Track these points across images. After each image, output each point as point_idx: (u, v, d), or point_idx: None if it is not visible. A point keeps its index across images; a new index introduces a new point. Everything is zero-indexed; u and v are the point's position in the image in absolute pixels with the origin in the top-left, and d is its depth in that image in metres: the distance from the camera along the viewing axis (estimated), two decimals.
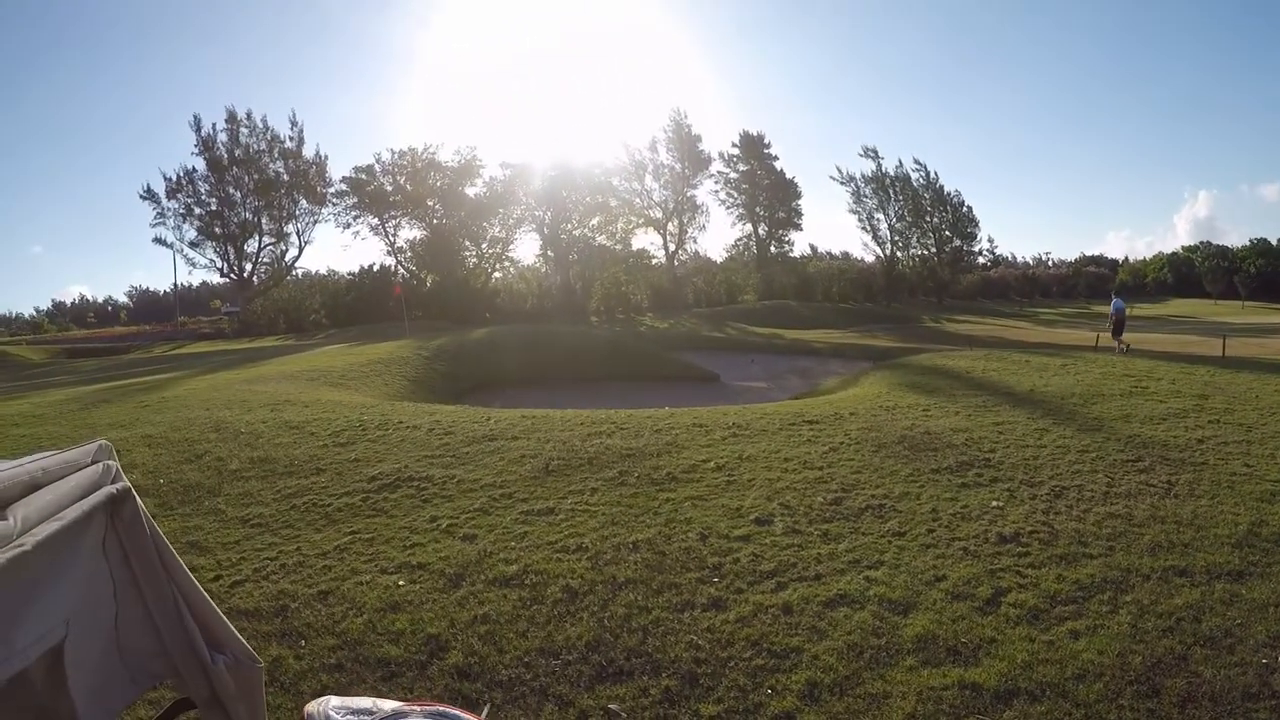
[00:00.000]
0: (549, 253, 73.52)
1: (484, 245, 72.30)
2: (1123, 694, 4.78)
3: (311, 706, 1.51)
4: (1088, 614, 5.83)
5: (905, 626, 5.70)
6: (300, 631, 5.90)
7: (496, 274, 74.60)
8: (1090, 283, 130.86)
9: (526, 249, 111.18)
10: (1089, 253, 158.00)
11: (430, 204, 69.98)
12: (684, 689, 5.02)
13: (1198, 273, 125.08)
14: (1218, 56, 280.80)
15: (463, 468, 10.55)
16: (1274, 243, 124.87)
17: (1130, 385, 16.16)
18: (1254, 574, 6.49)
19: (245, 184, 69.59)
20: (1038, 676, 4.98)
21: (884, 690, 4.92)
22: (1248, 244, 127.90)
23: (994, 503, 8.56)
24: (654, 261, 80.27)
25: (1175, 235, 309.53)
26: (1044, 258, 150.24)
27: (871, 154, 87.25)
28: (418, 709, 1.10)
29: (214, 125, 68.34)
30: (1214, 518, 7.89)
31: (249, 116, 69.62)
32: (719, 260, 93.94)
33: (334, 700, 1.57)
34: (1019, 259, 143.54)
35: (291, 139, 70.98)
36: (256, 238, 72.14)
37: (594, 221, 74.15)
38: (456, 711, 1.11)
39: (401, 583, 6.76)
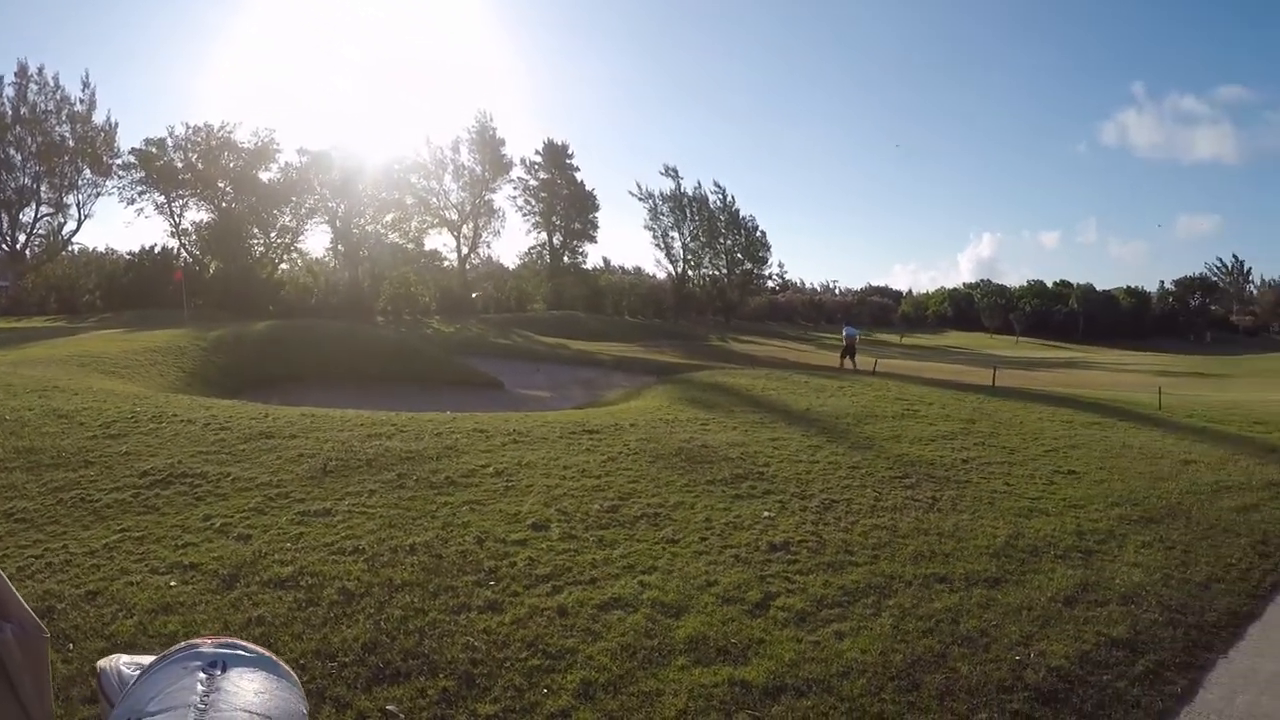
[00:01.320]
0: (339, 247, 71.05)
1: (273, 234, 69.01)
2: (884, 689, 5.48)
3: (103, 662, 1.64)
4: (852, 616, 6.59)
5: (677, 628, 6.22)
6: (68, 634, 5.72)
7: (284, 265, 71.51)
8: (874, 311, 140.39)
9: (316, 241, 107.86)
10: (875, 283, 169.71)
11: (221, 185, 66.01)
12: (461, 689, 5.27)
13: (977, 308, 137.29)
14: (1009, 117, 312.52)
15: (238, 465, 10.43)
16: (1049, 285, 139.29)
17: (903, 408, 17.87)
18: (1009, 581, 7.59)
19: (27, 146, 63.11)
20: (804, 674, 5.60)
21: (656, 688, 5.38)
22: (1025, 284, 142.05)
23: (765, 513, 9.40)
24: (445, 264, 79.67)
25: (959, 272, 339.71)
26: (831, 285, 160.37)
27: (672, 173, 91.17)
28: (209, 641, 1.25)
29: (0, 78, 61.83)
30: (974, 530, 9.08)
31: (40, 72, 63.03)
32: (511, 267, 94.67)
33: (124, 657, 1.71)
34: (807, 285, 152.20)
35: (82, 102, 64.91)
36: (34, 206, 65.62)
37: (388, 218, 72.31)
38: (246, 643, 1.27)
39: (173, 583, 6.66)
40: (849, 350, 35.91)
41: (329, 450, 11.30)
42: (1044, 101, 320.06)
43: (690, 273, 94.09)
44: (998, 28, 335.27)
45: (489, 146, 79.88)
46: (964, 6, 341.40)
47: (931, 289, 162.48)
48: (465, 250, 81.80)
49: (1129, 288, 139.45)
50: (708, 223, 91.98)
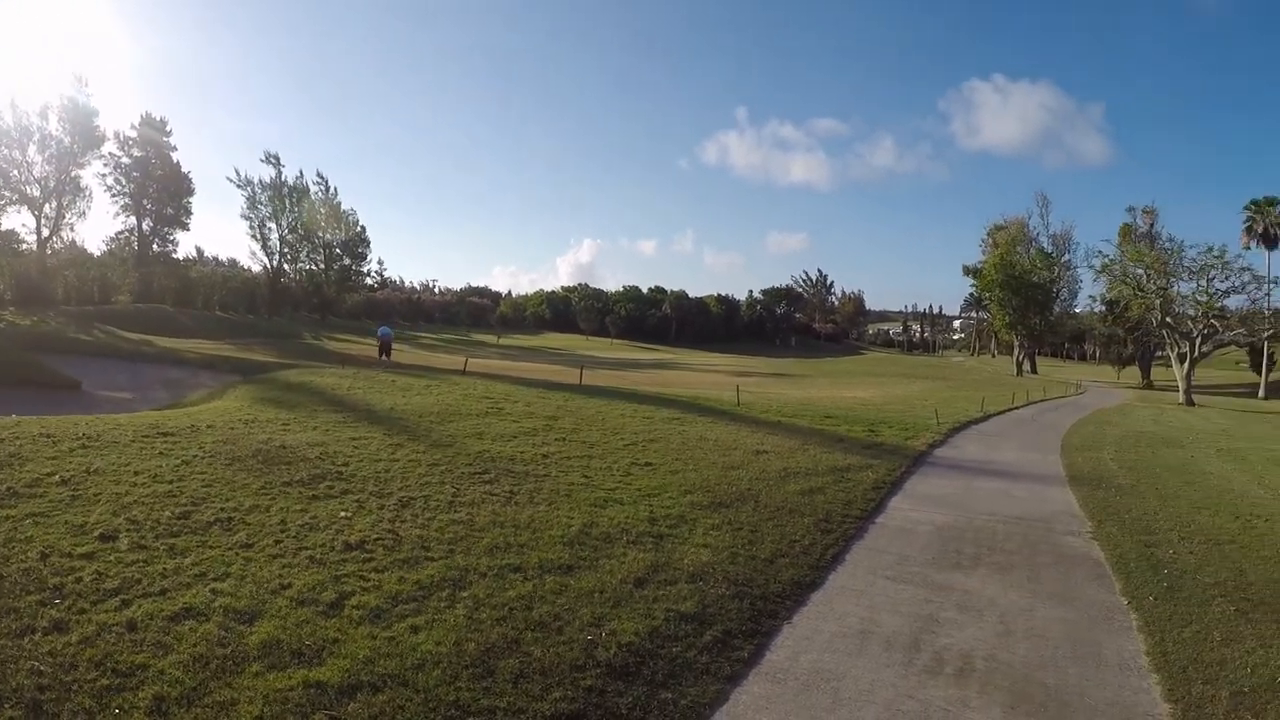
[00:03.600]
0: None
1: None
2: (459, 677, 5.58)
3: None
4: (427, 610, 6.67)
5: (251, 634, 5.99)
6: None
7: None
8: (473, 312, 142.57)
9: None
10: (475, 284, 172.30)
11: None
12: (28, 718, 4.81)
13: (574, 311, 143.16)
14: (617, 128, 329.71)
15: None
16: (644, 290, 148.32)
17: (488, 406, 18.29)
18: (582, 567, 8.00)
19: None
20: (380, 669, 5.58)
21: (231, 697, 5.14)
22: (621, 289, 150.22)
23: (343, 513, 9.29)
24: (23, 246, 69.60)
25: (558, 275, 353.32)
26: (431, 284, 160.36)
27: (273, 160, 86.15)
28: None
29: None
30: (550, 521, 9.51)
31: None
32: (97, 254, 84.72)
33: None
34: (407, 283, 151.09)
35: None
36: None
37: None
38: None
39: None
40: (384, 349, 40.88)
41: None
42: (652, 117, 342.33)
43: (287, 267, 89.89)
44: (612, 39, 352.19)
45: (80, 116, 71.30)
46: (581, 10, 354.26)
47: (531, 291, 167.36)
48: (47, 232, 72.50)
49: (720, 295, 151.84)
50: (307, 215, 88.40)
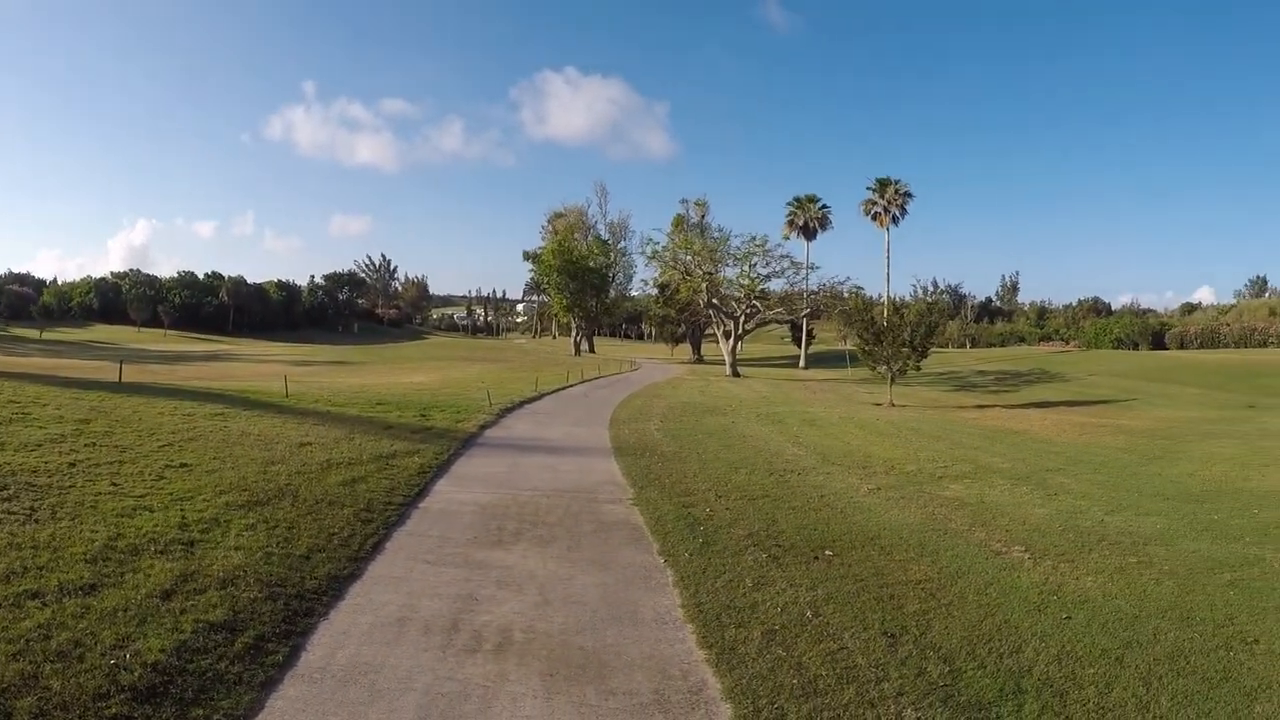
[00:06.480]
0: None
1: None
2: None
3: None
4: None
5: None
6: None
7: None
8: (12, 303, 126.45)
9: None
10: (17, 270, 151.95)
11: None
12: None
13: (125, 299, 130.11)
14: (174, 93, 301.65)
15: None
16: (200, 276, 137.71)
17: (14, 412, 16.14)
18: (107, 585, 7.34)
19: None
20: None
21: None
22: (176, 275, 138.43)
23: None
24: None
25: (109, 259, 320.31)
26: None
27: None
28: None
29: None
30: (72, 538, 8.59)
31: None
32: None
33: None
34: None
35: None
36: None
37: None
38: None
39: None
40: None
41: None
42: (214, 84, 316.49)
43: None
44: None
45: None
46: None
47: (79, 277, 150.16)
48: None
49: (280, 281, 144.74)
50: None
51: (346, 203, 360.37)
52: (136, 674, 5.71)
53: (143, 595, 7.14)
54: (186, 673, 5.83)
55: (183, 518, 9.70)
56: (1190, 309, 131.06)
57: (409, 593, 8.09)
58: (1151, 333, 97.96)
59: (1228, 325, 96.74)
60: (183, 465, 12.66)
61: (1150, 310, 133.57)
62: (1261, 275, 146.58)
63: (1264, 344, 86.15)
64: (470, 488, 13.34)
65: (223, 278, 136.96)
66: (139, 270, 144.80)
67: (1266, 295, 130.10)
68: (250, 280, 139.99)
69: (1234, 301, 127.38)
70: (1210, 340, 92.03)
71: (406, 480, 13.16)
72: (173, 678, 5.74)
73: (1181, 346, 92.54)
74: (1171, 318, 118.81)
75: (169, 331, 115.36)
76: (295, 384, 29.01)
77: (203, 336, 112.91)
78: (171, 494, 10.85)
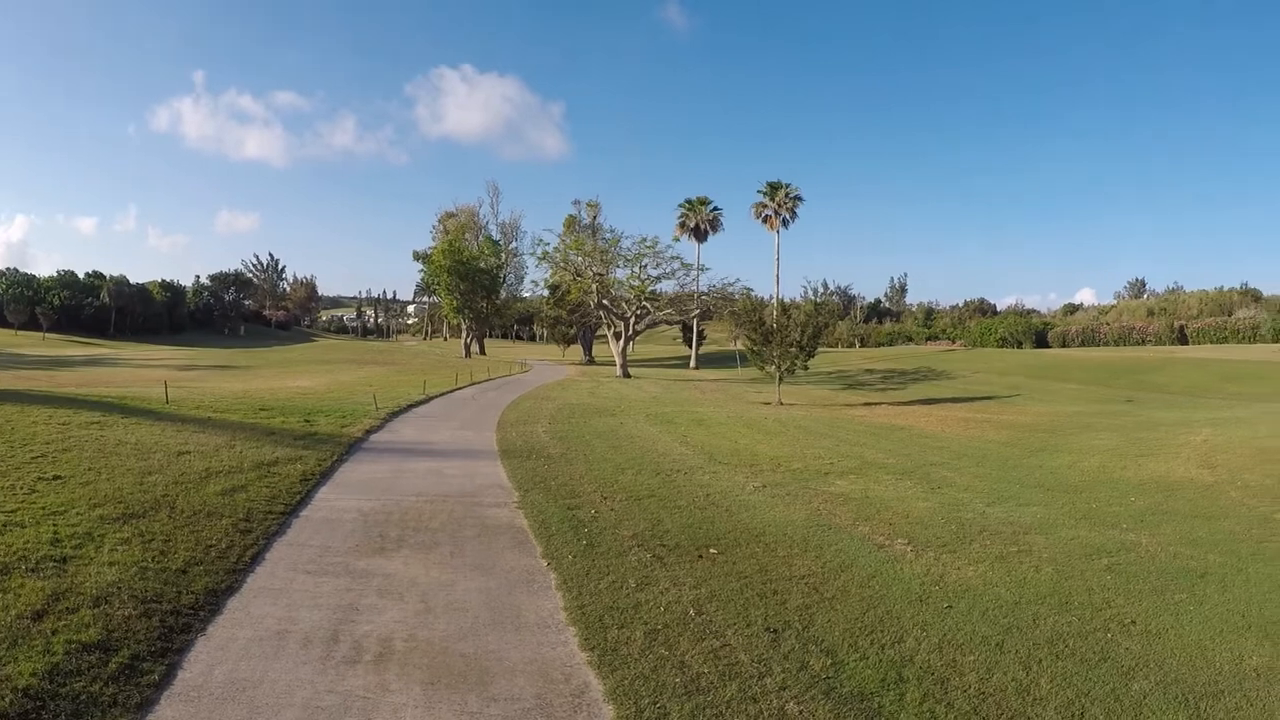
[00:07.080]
0: None
1: None
2: None
3: None
4: None
5: None
6: None
7: None
8: None
9: None
10: None
11: None
12: None
13: (1, 301, 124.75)
14: (55, 81, 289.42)
15: None
16: (81, 276, 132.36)
17: None
18: None
19: None
20: None
21: None
22: (55, 274, 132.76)
23: None
24: None
25: None
26: None
27: None
28: None
29: None
30: None
31: None
32: None
33: None
34: None
35: None
36: None
37: None
38: None
39: None
40: None
41: None
42: (98, 73, 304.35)
43: None
44: None
45: None
46: None
47: None
48: None
49: (164, 281, 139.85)
50: None
51: (234, 199, 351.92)
52: (7, 700, 5.60)
53: (13, 616, 6.96)
54: (59, 697, 5.73)
55: (55, 533, 9.44)
56: (1072, 309, 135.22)
57: (289, 604, 8.05)
58: (1035, 332, 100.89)
59: (1108, 325, 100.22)
60: (56, 477, 12.31)
61: (1034, 311, 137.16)
62: (1140, 278, 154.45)
63: (1142, 343, 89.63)
64: (353, 494, 13.28)
65: (104, 277, 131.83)
66: (16, 269, 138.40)
67: (1144, 297, 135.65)
68: (133, 280, 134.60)
69: (1114, 302, 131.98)
70: (1091, 339, 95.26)
71: (288, 488, 13.04)
72: (45, 702, 5.63)
73: (1063, 345, 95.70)
74: (1054, 318, 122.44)
75: (48, 334, 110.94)
76: (177, 389, 28.39)
77: (83, 340, 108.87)
78: (44, 508, 10.55)
